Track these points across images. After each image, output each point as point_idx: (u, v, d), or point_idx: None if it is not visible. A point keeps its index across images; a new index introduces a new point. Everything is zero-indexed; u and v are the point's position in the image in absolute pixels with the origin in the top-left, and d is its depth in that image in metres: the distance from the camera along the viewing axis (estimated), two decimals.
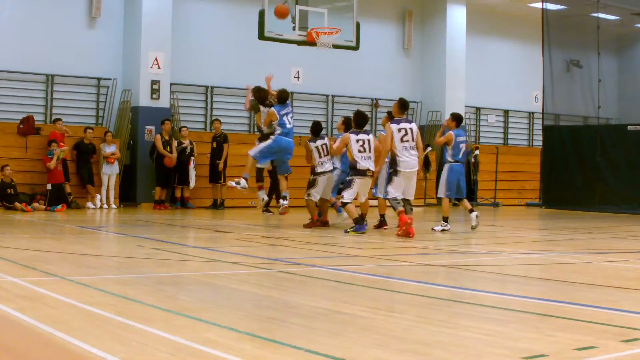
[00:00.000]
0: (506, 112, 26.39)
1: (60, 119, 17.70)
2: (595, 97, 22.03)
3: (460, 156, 12.84)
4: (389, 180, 12.04)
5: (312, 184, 12.99)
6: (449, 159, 12.87)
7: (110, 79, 19.22)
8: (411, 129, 11.87)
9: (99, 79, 19.19)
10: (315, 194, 12.96)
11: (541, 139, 23.03)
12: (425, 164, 22.24)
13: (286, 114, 13.03)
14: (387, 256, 9.25)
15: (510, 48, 26.42)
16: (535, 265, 8.89)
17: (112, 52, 19.38)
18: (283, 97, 13.20)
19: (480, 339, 4.45)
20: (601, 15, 22.73)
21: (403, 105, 12.25)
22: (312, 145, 13.02)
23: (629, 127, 20.72)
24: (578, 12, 23.40)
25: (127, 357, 3.87)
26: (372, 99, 23.20)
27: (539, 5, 22.71)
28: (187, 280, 6.86)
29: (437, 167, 23.27)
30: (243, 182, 12.78)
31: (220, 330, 4.57)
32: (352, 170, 12.14)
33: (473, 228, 12.74)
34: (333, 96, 22.59)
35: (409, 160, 11.79)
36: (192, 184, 18.80)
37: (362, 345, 4.23)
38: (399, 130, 11.82)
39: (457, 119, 13.11)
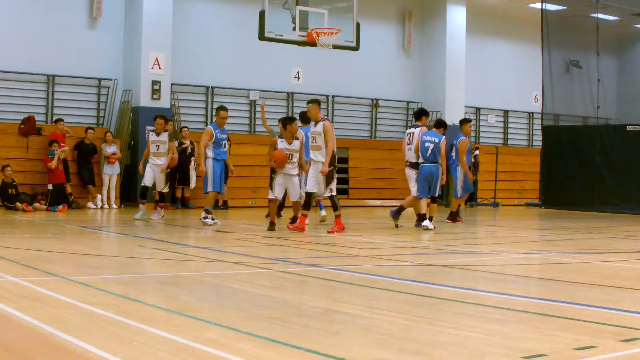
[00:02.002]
0: (506, 112, 26.41)
1: (61, 120, 17.73)
2: (594, 98, 22.05)
3: (427, 155, 13.12)
4: (332, 178, 12.04)
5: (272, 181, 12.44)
6: (420, 160, 13.27)
7: (111, 80, 19.26)
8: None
9: (99, 80, 19.22)
10: (276, 192, 12.18)
11: (541, 139, 23.03)
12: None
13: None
14: (387, 256, 9.26)
15: (509, 48, 26.44)
16: (535, 265, 8.90)
17: (112, 53, 19.41)
18: None
19: (480, 338, 4.46)
20: (600, 15, 22.73)
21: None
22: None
23: (628, 127, 20.73)
24: (577, 13, 23.41)
25: (128, 357, 3.89)
26: (372, 100, 23.21)
27: (538, 5, 22.71)
28: (187, 280, 6.87)
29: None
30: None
31: (220, 330, 4.58)
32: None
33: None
34: (333, 96, 22.60)
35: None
36: (193, 184, 18.84)
37: (362, 345, 4.25)
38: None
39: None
